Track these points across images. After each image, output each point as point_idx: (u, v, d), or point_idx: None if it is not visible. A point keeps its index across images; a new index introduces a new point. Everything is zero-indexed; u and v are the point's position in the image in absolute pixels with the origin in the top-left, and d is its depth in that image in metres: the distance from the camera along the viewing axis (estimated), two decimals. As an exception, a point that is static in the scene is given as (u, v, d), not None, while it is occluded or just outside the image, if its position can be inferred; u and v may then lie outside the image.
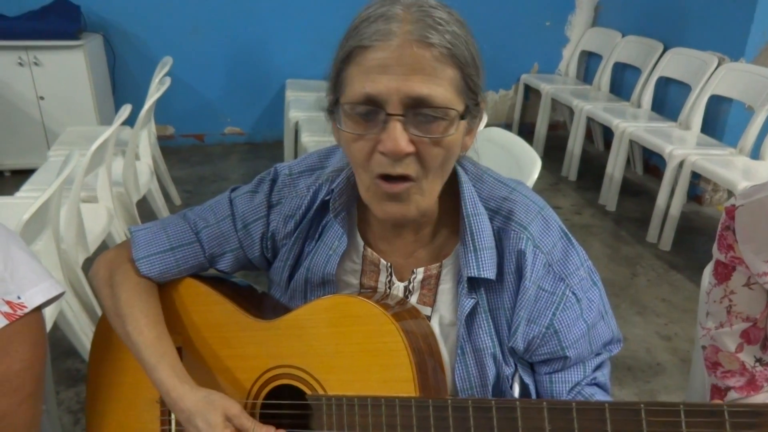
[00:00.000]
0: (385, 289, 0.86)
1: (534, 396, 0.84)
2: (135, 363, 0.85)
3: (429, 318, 0.84)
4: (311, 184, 0.86)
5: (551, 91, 4.10)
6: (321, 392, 0.79)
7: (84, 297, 1.86)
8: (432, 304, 0.84)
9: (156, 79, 2.81)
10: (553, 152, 4.16)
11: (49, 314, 1.57)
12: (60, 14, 3.47)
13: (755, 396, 0.97)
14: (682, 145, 3.04)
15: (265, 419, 0.82)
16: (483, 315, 0.80)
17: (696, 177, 3.21)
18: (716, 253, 0.95)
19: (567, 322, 0.79)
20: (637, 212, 3.44)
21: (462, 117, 0.69)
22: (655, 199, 3.09)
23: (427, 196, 0.73)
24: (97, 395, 0.97)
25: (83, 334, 1.76)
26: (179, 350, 0.87)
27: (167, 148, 3.88)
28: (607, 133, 3.90)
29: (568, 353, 0.80)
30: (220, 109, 4.25)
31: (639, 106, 3.72)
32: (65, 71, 3.40)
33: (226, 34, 4.02)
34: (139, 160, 2.69)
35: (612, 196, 3.45)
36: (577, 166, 3.85)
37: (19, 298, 0.78)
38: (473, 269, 0.77)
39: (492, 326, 0.80)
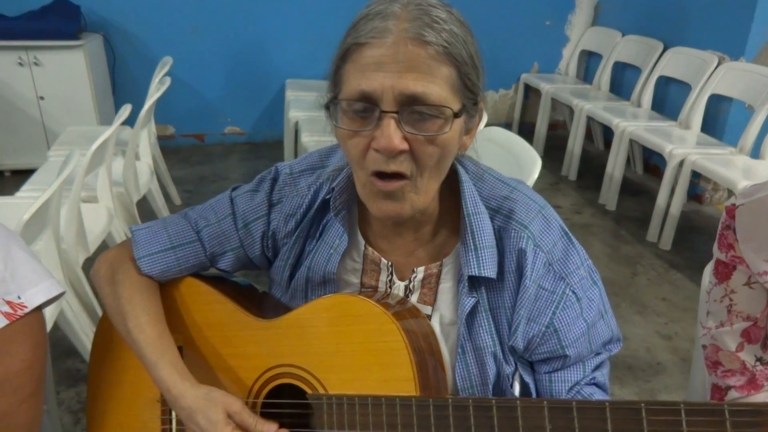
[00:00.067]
0: (386, 288, 0.86)
1: (534, 395, 0.84)
2: (136, 362, 0.85)
3: (429, 317, 0.84)
4: (312, 183, 0.86)
5: (551, 90, 4.11)
6: (322, 391, 0.79)
7: (84, 297, 1.86)
8: (432, 303, 0.84)
9: (156, 79, 2.81)
10: (553, 152, 4.16)
11: (50, 314, 1.57)
12: (60, 14, 3.47)
13: (756, 395, 0.97)
14: (682, 144, 3.05)
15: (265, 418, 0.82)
16: (483, 314, 0.80)
17: (696, 176, 3.21)
18: (716, 253, 0.95)
19: (567, 321, 0.79)
20: (637, 211, 3.44)
21: (457, 115, 0.69)
22: (655, 198, 3.10)
23: (422, 195, 0.72)
24: (97, 395, 0.97)
25: (83, 333, 1.76)
26: (180, 349, 0.87)
27: (167, 148, 3.88)
28: (607, 133, 3.90)
29: (567, 352, 0.80)
30: (220, 109, 4.25)
31: (639, 105, 3.72)
32: (65, 71, 3.40)
33: (226, 34, 4.02)
34: (139, 160, 2.69)
35: (612, 195, 3.45)
36: (577, 166, 3.85)
37: (19, 298, 0.78)
38: (474, 268, 0.77)
39: (492, 325, 0.80)
